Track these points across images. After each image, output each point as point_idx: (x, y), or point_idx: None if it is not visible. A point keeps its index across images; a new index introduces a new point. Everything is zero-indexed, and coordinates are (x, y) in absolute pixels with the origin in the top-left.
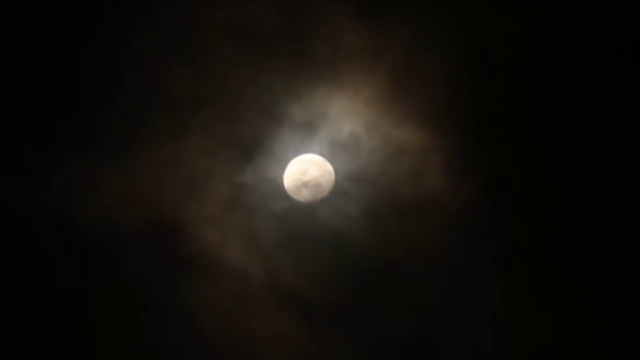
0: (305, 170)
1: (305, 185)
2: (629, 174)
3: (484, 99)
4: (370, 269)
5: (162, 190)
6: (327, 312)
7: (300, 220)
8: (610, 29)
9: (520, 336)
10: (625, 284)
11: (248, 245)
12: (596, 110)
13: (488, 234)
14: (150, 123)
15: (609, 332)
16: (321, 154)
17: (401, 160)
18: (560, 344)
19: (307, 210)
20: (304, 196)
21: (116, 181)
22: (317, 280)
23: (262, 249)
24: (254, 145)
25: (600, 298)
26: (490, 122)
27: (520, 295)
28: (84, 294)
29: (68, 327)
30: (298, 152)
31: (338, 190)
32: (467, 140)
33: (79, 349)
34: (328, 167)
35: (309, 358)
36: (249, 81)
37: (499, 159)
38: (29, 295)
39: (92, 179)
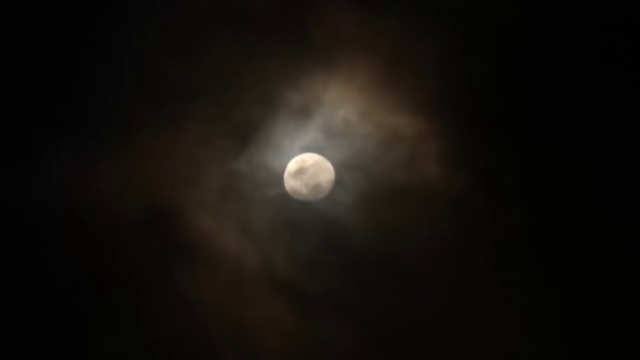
0: (305, 170)
1: (305, 184)
2: (626, 162)
3: (479, 86)
4: (366, 256)
5: (158, 178)
6: (323, 299)
7: (295, 207)
8: (608, 17)
9: (516, 325)
10: (622, 271)
11: (243, 232)
12: (592, 98)
13: (484, 221)
14: (146, 110)
15: (607, 321)
16: (316, 140)
17: (397, 147)
18: (558, 333)
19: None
20: (303, 196)
21: (112, 169)
22: (312, 267)
23: (257, 236)
24: (249, 132)
25: (598, 286)
26: (485, 110)
27: (516, 283)
28: (79, 281)
29: (63, 314)
30: (293, 139)
31: (334, 179)
32: (462, 128)
33: (74, 336)
34: (328, 167)
35: (304, 345)
36: (245, 68)
37: (494, 147)
38: (25, 283)
39: (88, 166)
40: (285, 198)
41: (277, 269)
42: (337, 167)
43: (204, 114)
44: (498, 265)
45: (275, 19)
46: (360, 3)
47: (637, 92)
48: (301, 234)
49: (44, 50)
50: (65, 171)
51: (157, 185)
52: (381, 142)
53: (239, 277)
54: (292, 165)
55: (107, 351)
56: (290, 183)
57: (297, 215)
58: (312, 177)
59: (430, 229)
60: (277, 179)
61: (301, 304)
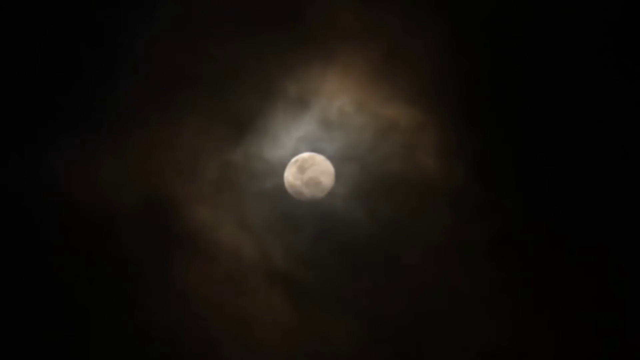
0: (305, 169)
1: (305, 184)
2: (625, 153)
3: (476, 77)
4: (362, 247)
5: (156, 170)
6: (321, 291)
7: (292, 200)
8: (603, 7)
9: (514, 315)
10: (622, 261)
11: (241, 224)
12: (589, 87)
13: (482, 211)
14: (144, 102)
15: (607, 310)
16: (313, 131)
17: (393, 137)
18: (559, 322)
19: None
20: (304, 195)
21: (110, 160)
22: (310, 259)
23: (255, 229)
24: (247, 123)
25: (596, 277)
26: (481, 100)
27: (513, 274)
28: (77, 273)
29: (60, 307)
30: (291, 130)
31: (334, 177)
32: (458, 118)
33: (70, 329)
34: (329, 166)
35: (301, 337)
36: (244, 59)
37: (491, 137)
38: (22, 274)
39: (86, 158)
40: (283, 190)
41: (274, 261)
42: (334, 159)
43: (202, 106)
44: (497, 255)
45: (274, 11)
46: None
47: (633, 82)
48: (298, 226)
49: (43, 42)
50: (63, 162)
51: (155, 177)
52: (378, 133)
53: (237, 270)
54: (292, 164)
55: (104, 343)
56: (290, 181)
57: (294, 207)
58: (312, 176)
59: (427, 219)
60: (275, 170)
61: (299, 295)
